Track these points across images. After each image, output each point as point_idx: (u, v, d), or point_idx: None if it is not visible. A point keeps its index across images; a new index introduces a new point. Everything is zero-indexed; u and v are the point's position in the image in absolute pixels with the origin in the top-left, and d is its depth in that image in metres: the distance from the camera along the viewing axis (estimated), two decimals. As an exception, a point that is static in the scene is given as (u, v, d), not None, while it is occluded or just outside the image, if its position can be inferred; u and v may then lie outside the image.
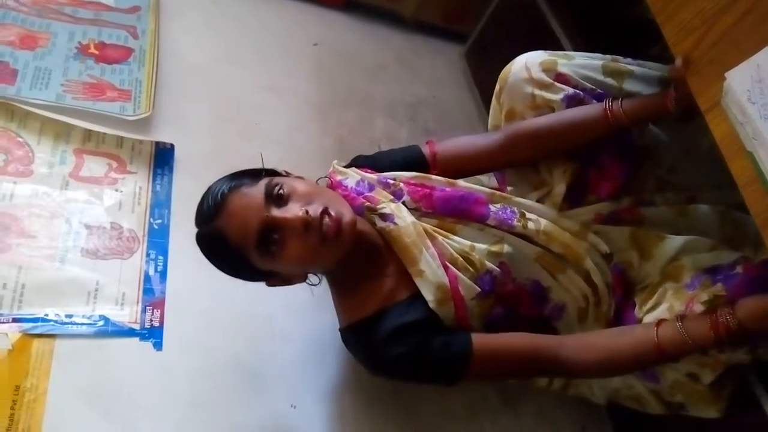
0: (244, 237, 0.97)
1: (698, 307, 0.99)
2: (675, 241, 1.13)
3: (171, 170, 1.43)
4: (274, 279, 1.09)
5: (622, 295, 1.16)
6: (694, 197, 1.21)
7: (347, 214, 1.00)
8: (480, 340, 1.04)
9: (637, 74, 1.16)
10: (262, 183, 1.00)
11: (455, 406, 1.32)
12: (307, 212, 0.96)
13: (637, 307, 1.12)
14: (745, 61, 0.81)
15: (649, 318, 1.06)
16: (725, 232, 1.17)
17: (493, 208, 1.14)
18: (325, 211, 0.98)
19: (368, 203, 1.12)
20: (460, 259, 1.09)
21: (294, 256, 0.99)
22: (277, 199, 0.99)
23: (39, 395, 1.05)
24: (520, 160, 1.21)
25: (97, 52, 1.55)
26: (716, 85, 0.86)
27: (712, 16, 0.87)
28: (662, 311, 1.05)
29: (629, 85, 1.15)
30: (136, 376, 1.13)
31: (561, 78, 1.15)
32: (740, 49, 0.82)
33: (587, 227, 1.17)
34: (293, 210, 0.98)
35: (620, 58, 1.19)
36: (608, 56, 1.18)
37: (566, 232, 1.15)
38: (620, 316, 1.16)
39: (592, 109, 1.12)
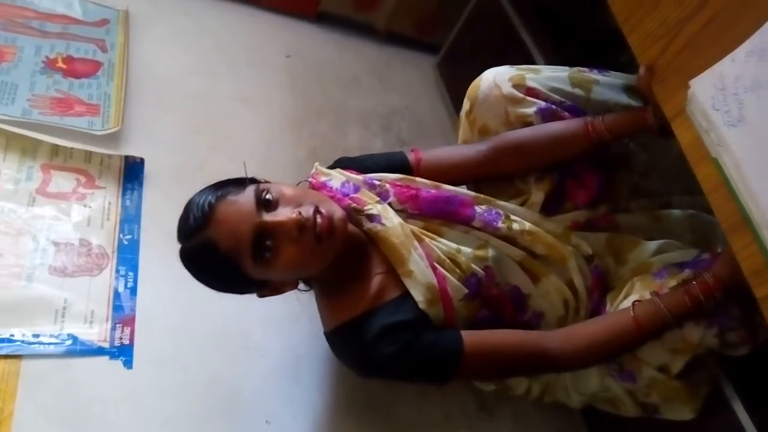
0: (237, 245, 0.94)
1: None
2: (649, 246, 1.15)
3: (141, 185, 1.40)
4: (265, 290, 1.07)
5: (599, 299, 1.17)
6: (668, 203, 1.24)
7: (338, 212, 1.00)
8: (469, 336, 1.03)
9: (603, 83, 1.18)
10: (250, 189, 0.98)
11: (432, 413, 1.32)
12: (299, 213, 0.95)
13: (608, 305, 1.13)
14: (708, 69, 0.82)
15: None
16: (697, 235, 1.19)
17: (478, 209, 1.14)
18: (316, 211, 0.97)
19: (354, 204, 1.11)
20: (447, 260, 1.09)
21: (289, 261, 0.97)
22: (266, 204, 0.97)
23: (5, 418, 1.02)
24: (503, 172, 1.21)
25: (65, 66, 1.53)
26: (681, 93, 0.87)
27: (676, 24, 0.89)
28: (631, 300, 1.06)
29: (596, 94, 1.17)
30: (106, 396, 1.11)
31: (531, 92, 1.16)
32: (704, 58, 0.84)
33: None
34: (285, 213, 0.96)
35: (585, 69, 1.21)
36: (574, 68, 1.21)
37: (549, 234, 1.16)
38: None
39: (573, 124, 1.14)
